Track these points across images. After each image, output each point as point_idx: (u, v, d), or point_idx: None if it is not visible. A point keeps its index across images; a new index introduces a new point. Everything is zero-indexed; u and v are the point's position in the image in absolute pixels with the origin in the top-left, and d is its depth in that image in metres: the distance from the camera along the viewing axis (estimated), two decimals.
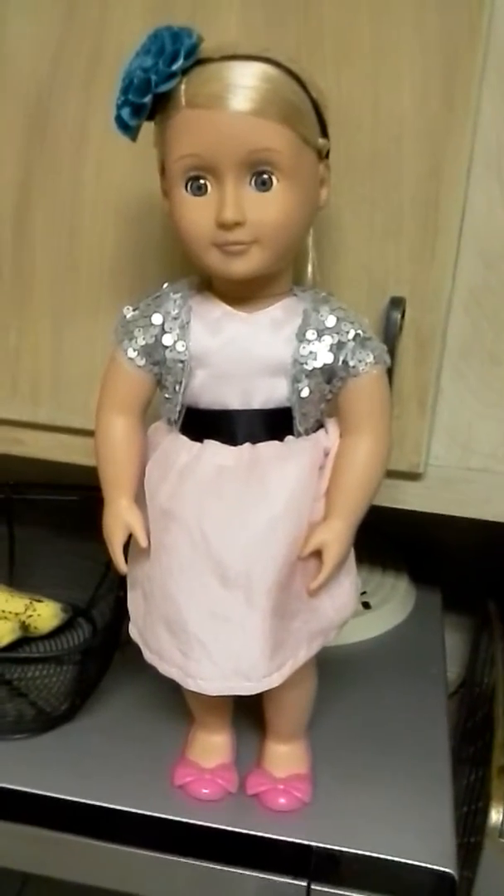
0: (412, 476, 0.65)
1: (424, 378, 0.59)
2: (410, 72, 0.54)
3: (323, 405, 0.51)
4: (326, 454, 0.52)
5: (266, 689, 0.50)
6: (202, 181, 0.43)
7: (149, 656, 0.54)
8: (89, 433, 0.53)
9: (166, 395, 0.51)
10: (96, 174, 0.60)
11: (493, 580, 0.87)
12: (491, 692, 0.78)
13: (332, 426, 0.52)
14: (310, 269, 0.52)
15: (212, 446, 0.48)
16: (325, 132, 0.47)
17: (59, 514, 0.79)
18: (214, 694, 0.50)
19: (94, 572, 0.71)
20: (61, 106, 0.60)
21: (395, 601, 0.81)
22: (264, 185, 0.43)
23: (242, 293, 0.47)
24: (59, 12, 0.59)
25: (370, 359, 0.48)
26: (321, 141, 0.46)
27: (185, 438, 0.49)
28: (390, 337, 0.57)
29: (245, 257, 0.44)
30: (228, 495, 0.47)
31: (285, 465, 0.48)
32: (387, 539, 0.88)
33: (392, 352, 0.55)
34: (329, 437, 0.51)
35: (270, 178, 0.43)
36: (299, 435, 0.49)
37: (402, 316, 0.56)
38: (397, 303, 0.57)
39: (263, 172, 0.42)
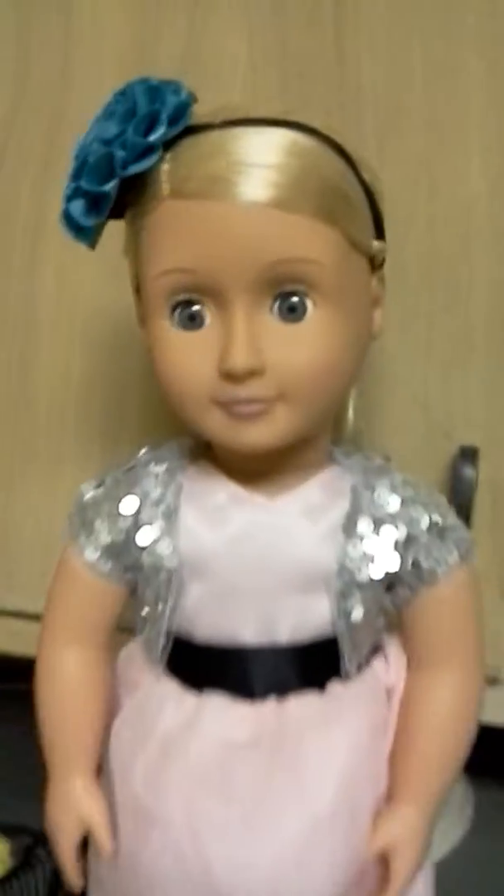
0: (488, 681, 0.48)
1: None
2: (481, 148, 0.44)
3: (381, 621, 0.36)
4: (389, 694, 0.36)
5: None
6: (196, 307, 0.31)
7: None
8: None
9: (144, 614, 0.36)
10: (56, 286, 0.51)
11: None
12: None
13: (394, 650, 0.37)
14: (350, 411, 0.39)
15: (214, 704, 0.34)
16: (380, 231, 0.34)
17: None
18: None
19: None
20: (11, 201, 0.51)
21: (452, 815, 0.62)
22: (293, 313, 0.30)
23: (260, 467, 0.34)
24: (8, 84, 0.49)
25: (454, 557, 0.35)
26: (376, 244, 0.33)
27: (172, 684, 0.35)
28: (462, 500, 0.45)
29: (265, 422, 0.31)
30: (242, 789, 0.32)
31: (330, 735, 0.33)
32: None
33: (466, 519, 0.43)
34: (390, 667, 0.37)
35: (303, 303, 0.30)
36: (348, 677, 0.35)
37: (476, 471, 0.45)
38: (469, 454, 0.45)
39: (292, 294, 0.30)
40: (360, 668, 0.35)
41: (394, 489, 0.34)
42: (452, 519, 0.35)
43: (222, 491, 0.34)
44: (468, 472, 0.44)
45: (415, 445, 0.46)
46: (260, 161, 0.29)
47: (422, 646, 0.36)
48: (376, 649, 0.37)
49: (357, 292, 0.32)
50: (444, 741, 0.35)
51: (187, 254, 0.30)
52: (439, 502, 0.35)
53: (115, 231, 0.35)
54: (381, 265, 0.34)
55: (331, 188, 0.30)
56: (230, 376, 0.30)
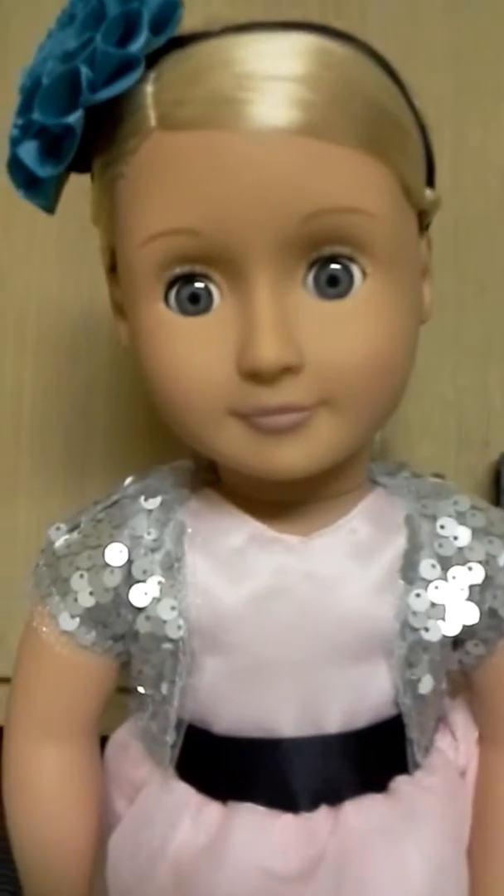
0: None
1: None
2: None
3: (444, 686, 0.28)
4: (461, 775, 0.28)
5: None
6: (200, 284, 0.22)
7: None
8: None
9: (142, 690, 0.27)
10: None
11: None
12: None
13: (460, 721, 0.29)
14: None
15: (246, 818, 0.25)
16: (431, 178, 0.26)
17: None
18: None
19: None
20: None
21: None
22: (335, 286, 0.22)
23: (289, 496, 0.26)
24: None
25: None
26: (429, 194, 0.25)
27: (185, 788, 0.26)
28: None
29: (302, 437, 0.23)
30: None
31: (404, 853, 0.24)
32: None
33: None
34: (459, 744, 0.28)
35: (348, 272, 0.22)
36: (417, 767, 0.26)
37: None
38: None
39: (334, 259, 0.22)
40: (426, 751, 0.27)
41: (461, 518, 0.26)
42: None
43: (239, 530, 0.26)
44: None
45: (444, 455, 0.39)
46: (280, 72, 0.21)
47: (499, 717, 0.28)
48: (438, 721, 0.28)
49: (411, 258, 0.24)
50: None
51: (186, 208, 0.21)
52: None
53: (68, 199, 0.25)
54: (429, 225, 0.26)
55: (379, 110, 0.22)
56: (256, 376, 0.21)
